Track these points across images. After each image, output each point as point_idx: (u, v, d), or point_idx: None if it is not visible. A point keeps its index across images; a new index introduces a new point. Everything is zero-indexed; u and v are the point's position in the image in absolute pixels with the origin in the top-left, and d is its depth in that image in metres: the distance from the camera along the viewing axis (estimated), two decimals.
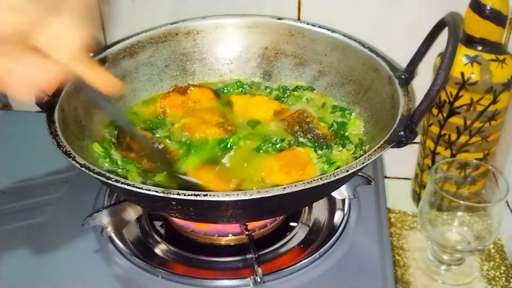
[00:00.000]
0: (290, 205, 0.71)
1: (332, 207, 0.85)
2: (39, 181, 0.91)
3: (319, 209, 0.86)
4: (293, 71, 0.95)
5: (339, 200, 0.85)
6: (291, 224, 0.84)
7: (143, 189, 0.60)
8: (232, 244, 0.81)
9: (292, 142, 0.81)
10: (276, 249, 0.79)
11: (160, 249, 0.80)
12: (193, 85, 0.92)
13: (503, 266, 0.89)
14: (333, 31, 0.89)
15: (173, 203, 0.61)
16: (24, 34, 0.46)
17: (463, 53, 0.84)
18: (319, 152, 0.79)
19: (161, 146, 0.74)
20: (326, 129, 0.84)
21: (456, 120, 0.87)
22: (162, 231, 0.84)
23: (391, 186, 1.06)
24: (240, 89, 0.94)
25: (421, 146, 0.97)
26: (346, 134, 0.83)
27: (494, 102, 0.83)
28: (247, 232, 0.76)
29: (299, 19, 0.97)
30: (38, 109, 0.73)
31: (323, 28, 0.90)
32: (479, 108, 0.84)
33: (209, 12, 0.96)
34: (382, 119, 0.77)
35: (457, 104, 0.85)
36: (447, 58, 0.62)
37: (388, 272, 0.73)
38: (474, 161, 0.88)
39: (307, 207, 0.86)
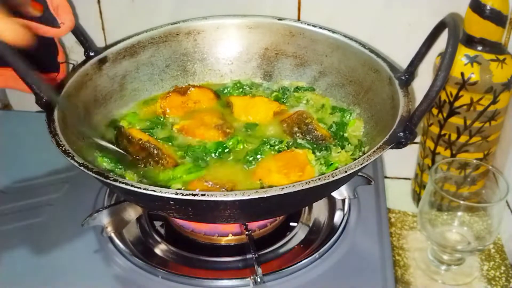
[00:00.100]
0: (289, 206, 0.71)
1: (332, 207, 0.85)
2: (39, 181, 0.91)
3: (319, 209, 0.86)
4: (294, 71, 0.95)
5: (339, 200, 0.85)
6: (291, 224, 0.84)
7: (141, 189, 0.60)
8: (232, 244, 0.81)
9: (290, 143, 0.81)
10: (276, 249, 0.79)
11: (160, 249, 0.80)
12: (194, 86, 0.92)
13: (503, 266, 0.89)
14: (333, 32, 0.89)
15: (171, 202, 0.62)
16: None
17: (463, 53, 0.84)
18: (318, 153, 0.79)
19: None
20: (325, 130, 0.84)
21: (456, 120, 0.87)
22: (162, 231, 0.84)
23: (391, 186, 1.06)
24: (240, 90, 0.94)
25: (421, 146, 0.97)
26: (345, 135, 0.83)
27: (494, 102, 0.83)
28: (247, 232, 0.76)
29: (299, 19, 0.97)
30: (38, 109, 0.73)
31: (324, 28, 0.90)
32: (479, 108, 0.84)
33: (208, 12, 0.96)
34: (382, 120, 0.77)
35: (457, 104, 0.85)
36: (447, 58, 0.62)
37: (388, 272, 0.73)
38: (474, 161, 0.88)
39: (307, 207, 0.86)
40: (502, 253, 0.91)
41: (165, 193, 0.59)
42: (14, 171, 0.93)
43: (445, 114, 0.88)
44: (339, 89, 0.90)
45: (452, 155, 0.90)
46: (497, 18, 0.80)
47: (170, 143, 0.82)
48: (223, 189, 0.71)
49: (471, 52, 0.83)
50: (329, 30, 0.90)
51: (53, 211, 0.85)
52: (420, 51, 0.77)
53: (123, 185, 0.60)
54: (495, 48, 0.83)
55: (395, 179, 1.10)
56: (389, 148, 0.65)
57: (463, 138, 0.88)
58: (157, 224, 0.85)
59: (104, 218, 0.78)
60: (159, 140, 0.82)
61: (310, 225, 0.84)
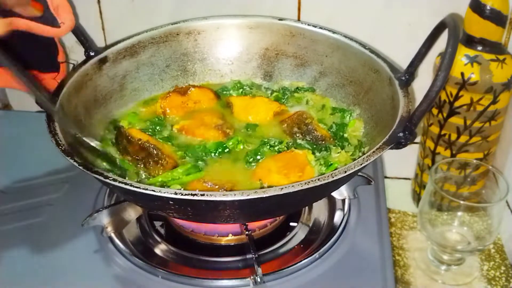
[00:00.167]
0: (288, 206, 0.71)
1: (332, 207, 0.85)
2: (39, 181, 0.91)
3: (319, 209, 0.86)
4: (294, 72, 0.95)
5: (339, 200, 0.85)
6: (291, 224, 0.84)
7: (140, 188, 0.60)
8: (232, 244, 0.81)
9: (290, 144, 0.81)
10: (276, 249, 0.79)
11: (160, 249, 0.80)
12: (194, 86, 0.92)
13: (503, 266, 0.89)
14: (334, 32, 0.89)
15: (171, 202, 0.62)
16: None
17: (463, 53, 0.84)
18: (317, 154, 0.79)
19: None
20: (325, 130, 0.84)
21: (456, 120, 0.87)
22: (162, 231, 0.84)
23: (391, 186, 1.06)
24: (240, 90, 0.94)
25: (421, 146, 0.97)
26: (345, 135, 0.83)
27: (494, 102, 0.83)
28: (247, 232, 0.76)
29: (299, 19, 0.97)
30: (38, 109, 0.73)
31: (324, 29, 0.90)
32: (479, 108, 0.84)
33: (208, 12, 0.96)
34: (382, 120, 0.77)
35: (457, 104, 0.85)
36: (447, 59, 0.62)
37: (388, 272, 0.73)
38: (474, 161, 0.88)
39: (307, 207, 0.86)
40: (502, 253, 0.91)
41: (164, 193, 0.59)
42: (14, 171, 0.93)
43: (445, 114, 0.88)
44: (339, 90, 0.90)
45: (452, 155, 0.90)
46: (497, 18, 0.80)
47: (170, 143, 0.82)
48: (222, 190, 0.71)
49: (471, 52, 0.83)
50: (329, 31, 0.90)
51: (53, 211, 0.85)
52: (420, 51, 0.77)
53: (123, 185, 0.60)
54: (495, 48, 0.83)
55: (395, 179, 1.10)
56: (389, 149, 0.65)
57: (463, 138, 0.88)
58: (157, 224, 0.85)
59: (104, 218, 0.78)
60: (159, 140, 0.82)
61: (310, 225, 0.84)
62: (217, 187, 0.72)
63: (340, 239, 0.79)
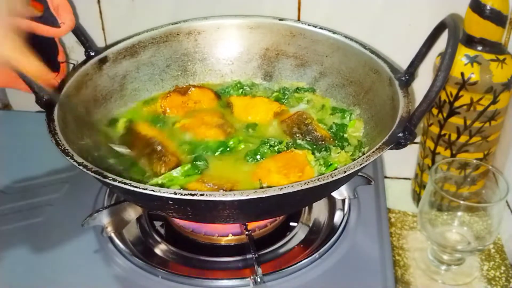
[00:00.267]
0: (288, 206, 0.71)
1: (332, 207, 0.85)
2: (39, 181, 0.91)
3: (319, 209, 0.86)
4: (294, 72, 0.95)
5: (339, 200, 0.85)
6: (291, 224, 0.84)
7: (140, 188, 0.60)
8: (232, 244, 0.81)
9: (290, 144, 0.81)
10: (276, 249, 0.79)
11: (160, 249, 0.80)
12: (194, 86, 0.93)
13: (503, 266, 0.89)
14: (334, 33, 0.89)
15: (170, 202, 0.62)
16: None
17: (463, 53, 0.84)
18: (317, 154, 0.79)
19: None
20: (325, 131, 0.84)
21: (456, 120, 0.87)
22: (162, 231, 0.84)
23: (391, 186, 1.06)
24: (241, 90, 0.94)
25: (421, 146, 0.97)
26: (345, 136, 0.83)
27: (494, 102, 0.83)
28: (247, 232, 0.76)
29: (299, 19, 0.97)
30: (38, 109, 0.73)
31: (325, 29, 0.90)
32: (479, 108, 0.84)
33: (207, 12, 0.96)
34: (382, 121, 0.77)
35: (457, 104, 0.85)
36: (446, 59, 0.62)
37: (388, 272, 0.73)
38: (474, 161, 0.88)
39: (307, 207, 0.86)
40: (502, 253, 0.91)
41: (164, 192, 0.59)
42: (14, 171, 0.93)
43: (445, 114, 0.88)
44: (339, 90, 0.90)
45: (452, 155, 0.90)
46: (497, 18, 0.80)
47: (172, 141, 0.82)
48: (222, 190, 0.71)
49: (471, 52, 0.83)
50: (329, 31, 0.90)
51: (53, 211, 0.85)
52: (420, 51, 0.77)
53: (122, 185, 0.60)
54: (495, 48, 0.83)
55: (395, 179, 1.10)
56: (389, 149, 0.65)
57: (463, 138, 0.88)
58: (157, 224, 0.85)
59: (104, 218, 0.78)
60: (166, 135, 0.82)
61: (310, 225, 0.84)
62: (216, 187, 0.71)
63: (340, 239, 0.79)
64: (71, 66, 1.04)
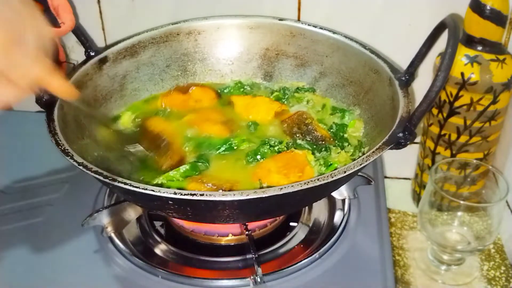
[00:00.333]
0: (288, 206, 0.71)
1: (332, 207, 0.85)
2: (39, 181, 0.91)
3: (319, 209, 0.86)
4: (294, 72, 0.95)
5: (339, 200, 0.85)
6: (291, 224, 0.84)
7: (140, 188, 0.60)
8: (232, 244, 0.81)
9: (290, 144, 0.81)
10: (276, 249, 0.79)
11: (160, 249, 0.80)
12: (195, 85, 0.93)
13: (503, 266, 0.89)
14: (334, 33, 0.89)
15: (170, 202, 0.62)
16: None
17: (463, 53, 0.84)
18: (317, 154, 0.79)
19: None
20: (325, 131, 0.84)
21: (456, 120, 0.87)
22: (162, 231, 0.84)
23: (391, 186, 1.06)
24: (241, 89, 0.94)
25: (421, 146, 0.97)
26: (345, 136, 0.83)
27: (494, 102, 0.83)
28: (247, 232, 0.76)
29: (299, 19, 0.97)
30: (38, 109, 0.73)
31: (325, 29, 0.90)
32: (479, 108, 0.84)
33: (207, 12, 0.96)
34: (382, 121, 0.77)
35: (457, 104, 0.85)
36: (446, 59, 0.62)
37: (388, 272, 0.73)
38: (474, 161, 0.88)
39: (307, 207, 0.86)
40: (502, 253, 0.91)
41: (163, 192, 0.59)
42: (14, 171, 0.93)
43: (445, 114, 0.88)
44: (339, 90, 0.90)
45: (452, 155, 0.90)
46: (497, 18, 0.80)
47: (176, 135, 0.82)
48: (221, 190, 0.71)
49: (471, 52, 0.83)
50: (329, 31, 0.90)
51: (53, 211, 0.85)
52: (420, 51, 0.77)
53: (122, 185, 0.60)
54: (495, 48, 0.83)
55: (395, 179, 1.10)
56: (389, 149, 0.65)
57: (463, 138, 0.88)
58: (157, 224, 0.85)
59: (104, 218, 0.78)
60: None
61: (310, 225, 0.84)
62: (215, 188, 0.71)
63: (340, 239, 0.79)
64: (71, 66, 1.05)
